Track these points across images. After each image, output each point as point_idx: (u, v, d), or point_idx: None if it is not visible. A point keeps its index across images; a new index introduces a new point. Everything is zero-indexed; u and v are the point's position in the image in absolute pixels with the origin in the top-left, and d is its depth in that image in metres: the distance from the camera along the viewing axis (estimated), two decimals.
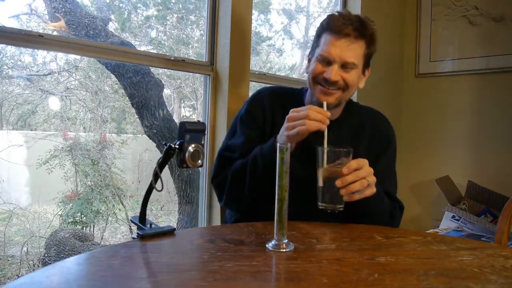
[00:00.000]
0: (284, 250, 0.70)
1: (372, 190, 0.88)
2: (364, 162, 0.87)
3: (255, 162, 0.98)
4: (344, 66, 1.01)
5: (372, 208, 0.97)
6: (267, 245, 0.72)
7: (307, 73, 1.11)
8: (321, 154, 0.89)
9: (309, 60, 1.11)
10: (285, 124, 0.95)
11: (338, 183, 0.84)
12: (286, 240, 0.72)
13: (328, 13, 1.07)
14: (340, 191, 0.85)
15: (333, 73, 1.00)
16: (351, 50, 1.00)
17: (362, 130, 1.13)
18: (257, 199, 1.01)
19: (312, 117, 0.91)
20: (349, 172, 0.85)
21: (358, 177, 0.85)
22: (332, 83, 1.01)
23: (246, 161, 1.01)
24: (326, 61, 1.01)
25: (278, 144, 0.74)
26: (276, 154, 0.93)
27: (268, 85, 1.25)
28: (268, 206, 1.02)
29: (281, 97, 1.15)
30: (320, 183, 0.88)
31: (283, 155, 0.73)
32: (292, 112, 0.94)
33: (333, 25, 1.00)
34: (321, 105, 1.04)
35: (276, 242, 0.71)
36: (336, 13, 1.03)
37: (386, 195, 1.02)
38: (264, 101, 1.13)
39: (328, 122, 0.92)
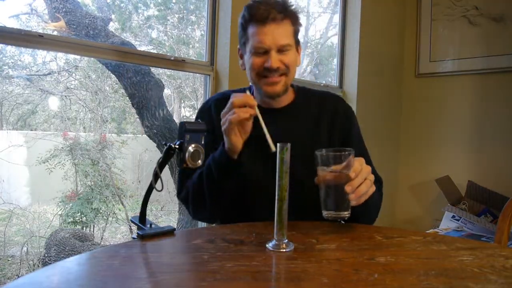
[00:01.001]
0: (284, 250, 0.70)
1: (373, 188, 0.86)
2: (362, 160, 0.85)
3: (209, 171, 0.97)
4: (280, 50, 1.00)
5: (372, 203, 0.97)
6: (267, 245, 0.72)
7: (244, 69, 1.10)
8: (321, 158, 0.83)
9: (241, 57, 1.10)
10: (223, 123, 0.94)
11: (348, 188, 0.79)
12: (286, 240, 0.72)
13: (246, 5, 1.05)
14: (348, 196, 0.80)
15: (273, 60, 0.99)
16: (282, 32, 1.00)
17: (321, 113, 1.11)
18: (224, 207, 1.01)
19: (237, 103, 0.89)
20: (356, 175, 0.81)
21: (363, 178, 0.82)
22: (275, 70, 1.00)
23: (201, 173, 1.00)
24: (262, 52, 1.00)
25: (278, 144, 0.73)
26: (225, 157, 0.92)
27: (218, 92, 1.23)
28: (250, 208, 1.01)
29: (228, 99, 1.15)
30: (323, 190, 0.83)
31: (283, 155, 0.72)
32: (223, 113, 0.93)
33: (256, 14, 0.99)
34: (270, 97, 1.05)
35: (276, 242, 0.71)
36: (255, 2, 1.01)
37: None
38: (211, 111, 1.12)
39: (255, 103, 0.90)
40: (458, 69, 2.60)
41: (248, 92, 1.12)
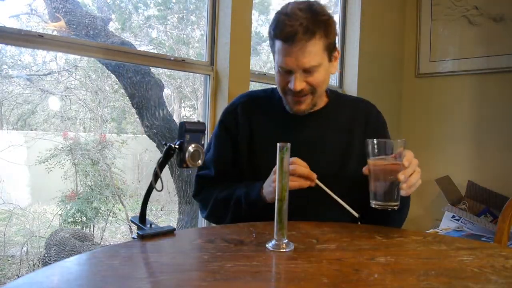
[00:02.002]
0: (284, 250, 0.70)
1: (420, 181, 0.85)
2: (411, 152, 0.82)
3: (239, 204, 0.96)
4: (306, 71, 0.95)
5: (409, 200, 0.96)
6: (267, 245, 0.72)
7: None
8: (373, 147, 0.81)
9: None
10: (272, 176, 0.90)
11: (401, 177, 0.78)
12: (286, 240, 0.71)
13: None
14: (400, 185, 0.79)
15: (297, 83, 0.94)
16: (308, 55, 0.92)
17: (354, 121, 1.09)
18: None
19: (299, 172, 0.86)
20: (410, 164, 0.80)
21: (414, 169, 0.81)
22: (298, 92, 0.96)
23: (230, 197, 0.99)
24: (287, 71, 0.96)
25: (278, 144, 0.72)
26: (261, 203, 0.92)
27: (243, 93, 1.18)
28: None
29: (256, 102, 1.11)
30: (372, 179, 0.82)
31: (283, 155, 0.72)
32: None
33: (282, 31, 0.92)
34: (292, 112, 1.02)
35: (276, 242, 0.71)
36: (282, 15, 0.93)
37: None
38: (238, 111, 1.09)
39: (315, 177, 0.88)
40: (458, 69, 2.60)
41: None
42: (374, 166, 0.82)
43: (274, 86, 1.14)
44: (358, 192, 1.02)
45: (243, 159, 1.07)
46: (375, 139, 0.82)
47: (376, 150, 0.82)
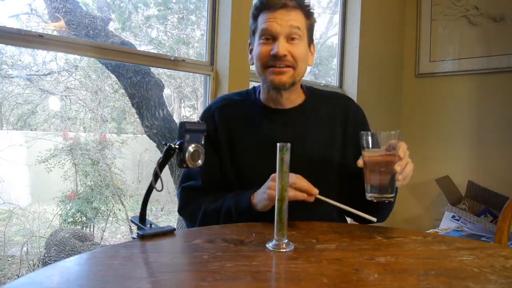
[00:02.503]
0: (284, 250, 0.70)
1: (412, 169, 0.84)
2: (403, 142, 0.82)
3: (229, 215, 0.94)
4: (289, 36, 0.97)
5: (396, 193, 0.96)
6: (267, 245, 0.72)
7: (252, 64, 1.06)
8: (367, 139, 0.81)
9: (251, 51, 1.06)
10: (269, 182, 0.87)
11: (397, 168, 0.78)
12: (286, 240, 0.71)
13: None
14: (396, 177, 0.79)
15: (280, 46, 0.95)
16: (292, 17, 0.97)
17: (334, 115, 1.08)
18: None
19: (299, 187, 0.84)
20: (405, 155, 0.80)
21: (408, 159, 0.82)
22: (281, 58, 0.96)
23: (219, 209, 0.96)
24: (271, 38, 0.97)
25: (278, 144, 0.72)
26: (252, 211, 0.89)
27: (217, 97, 1.17)
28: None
29: (232, 105, 1.09)
30: (367, 172, 0.82)
31: (283, 155, 0.72)
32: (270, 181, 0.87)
33: (267, 2, 0.97)
34: (276, 89, 1.00)
35: (276, 242, 0.71)
36: None
37: None
38: (215, 117, 1.07)
39: (317, 192, 0.85)
40: (458, 69, 2.60)
41: (255, 94, 1.10)
42: (369, 158, 0.81)
43: (249, 88, 1.14)
44: (343, 185, 1.03)
45: (225, 164, 1.04)
46: (369, 132, 0.82)
47: (370, 142, 0.81)
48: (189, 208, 1.04)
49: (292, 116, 1.06)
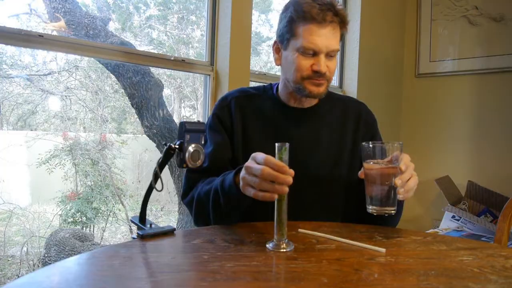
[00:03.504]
0: (284, 250, 0.70)
1: (416, 182, 0.82)
2: (408, 156, 0.80)
3: (217, 196, 0.88)
4: (329, 54, 0.97)
5: (402, 204, 0.93)
6: (267, 245, 0.72)
7: (278, 64, 1.06)
8: (368, 150, 0.79)
9: (277, 51, 1.05)
10: (243, 173, 0.76)
11: (398, 182, 0.76)
12: (286, 240, 0.71)
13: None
14: (397, 190, 0.77)
15: (323, 63, 0.96)
16: (335, 37, 0.97)
17: (346, 118, 1.09)
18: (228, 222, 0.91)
19: (266, 177, 0.70)
20: (406, 169, 0.77)
21: (411, 173, 0.79)
22: (322, 75, 0.97)
23: (209, 190, 0.91)
24: (312, 53, 0.96)
25: (276, 144, 0.71)
26: (235, 191, 0.81)
27: (234, 89, 1.15)
28: (258, 208, 0.87)
29: (250, 99, 1.09)
30: (368, 184, 0.80)
31: (282, 155, 0.71)
32: (251, 160, 0.76)
33: (312, 12, 0.94)
34: (312, 97, 1.00)
35: (276, 242, 0.71)
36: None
37: None
38: (231, 107, 1.07)
39: (287, 179, 0.69)
40: (458, 69, 2.60)
41: (272, 90, 1.10)
42: (370, 170, 0.80)
43: (265, 85, 1.14)
44: (350, 191, 1.02)
45: (236, 152, 1.03)
46: (370, 142, 0.80)
47: (372, 154, 0.79)
48: (189, 196, 1.00)
49: (306, 117, 1.07)
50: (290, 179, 0.69)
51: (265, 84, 1.15)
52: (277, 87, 1.11)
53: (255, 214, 0.93)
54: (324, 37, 0.95)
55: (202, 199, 0.93)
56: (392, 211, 0.79)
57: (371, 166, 0.80)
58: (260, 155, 0.73)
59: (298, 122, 1.06)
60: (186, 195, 1.01)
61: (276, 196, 0.71)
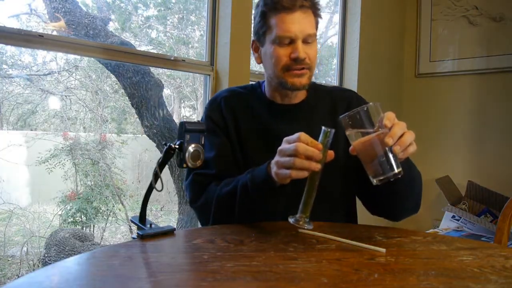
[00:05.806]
0: (304, 227, 0.77)
1: (414, 146, 0.76)
2: (391, 112, 0.75)
3: (245, 191, 0.87)
4: (305, 41, 0.95)
5: (416, 174, 0.94)
6: (289, 219, 0.77)
7: (259, 63, 1.05)
8: (347, 123, 0.74)
9: (256, 50, 1.04)
10: (277, 157, 0.80)
11: (388, 141, 0.70)
12: (308, 220, 0.76)
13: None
14: (393, 149, 0.71)
15: (300, 49, 0.94)
16: (309, 21, 0.95)
17: (336, 109, 1.06)
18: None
19: (302, 152, 0.75)
20: (392, 124, 0.72)
21: (402, 129, 0.73)
22: (301, 61, 0.95)
23: (234, 189, 0.89)
24: (288, 42, 0.95)
25: (322, 128, 0.77)
26: (269, 183, 0.82)
27: (223, 89, 1.15)
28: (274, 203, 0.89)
29: (237, 97, 1.09)
30: (362, 156, 0.75)
31: (327, 139, 0.76)
32: (284, 143, 0.79)
33: (281, 2, 0.93)
34: (295, 90, 1.00)
35: (298, 218, 0.76)
36: None
37: None
38: (222, 106, 1.06)
39: (320, 156, 0.76)
40: (458, 69, 2.60)
41: (260, 88, 1.10)
42: (358, 143, 0.74)
43: (253, 83, 1.14)
44: (351, 180, 1.03)
45: (234, 151, 1.03)
46: (345, 114, 0.74)
47: (352, 124, 0.74)
48: (201, 200, 0.98)
49: (298, 111, 1.06)
50: (321, 156, 0.76)
51: (253, 83, 1.14)
52: (264, 86, 1.10)
53: (268, 208, 0.90)
54: (297, 23, 0.94)
55: (224, 199, 0.91)
56: (398, 174, 0.72)
57: (357, 138, 0.75)
58: (293, 136, 0.78)
59: (288, 119, 1.04)
60: (198, 198, 0.98)
61: (307, 173, 0.76)
